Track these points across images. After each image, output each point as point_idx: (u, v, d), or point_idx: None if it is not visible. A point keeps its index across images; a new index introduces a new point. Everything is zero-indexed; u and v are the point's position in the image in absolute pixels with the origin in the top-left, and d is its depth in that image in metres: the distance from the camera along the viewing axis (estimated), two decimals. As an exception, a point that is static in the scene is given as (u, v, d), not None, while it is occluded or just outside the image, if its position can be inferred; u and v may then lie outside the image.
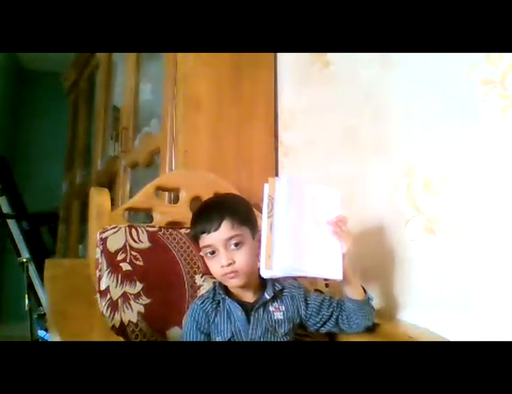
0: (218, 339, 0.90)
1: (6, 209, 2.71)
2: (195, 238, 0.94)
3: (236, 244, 0.89)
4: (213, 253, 0.89)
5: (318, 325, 0.97)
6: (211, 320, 0.91)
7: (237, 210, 0.92)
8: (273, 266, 0.81)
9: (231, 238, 0.89)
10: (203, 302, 0.93)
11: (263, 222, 0.85)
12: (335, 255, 0.88)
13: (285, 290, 0.97)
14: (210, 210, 0.92)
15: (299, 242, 0.84)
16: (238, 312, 0.91)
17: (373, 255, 1.18)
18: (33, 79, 3.72)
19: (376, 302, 0.99)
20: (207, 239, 0.89)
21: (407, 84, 1.13)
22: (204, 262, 1.11)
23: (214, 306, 0.92)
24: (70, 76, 2.99)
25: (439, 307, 1.01)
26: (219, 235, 0.88)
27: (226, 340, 0.90)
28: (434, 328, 0.99)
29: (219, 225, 0.88)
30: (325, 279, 1.19)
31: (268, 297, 0.93)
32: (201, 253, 0.95)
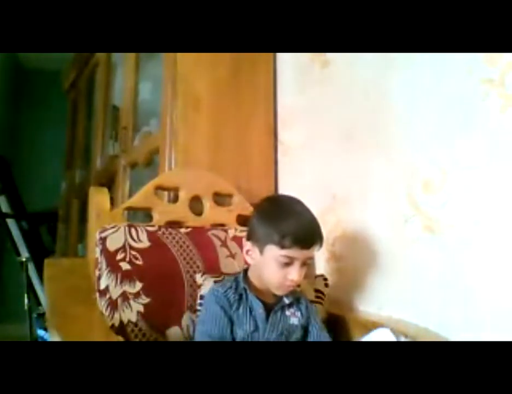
0: (239, 331, 0.89)
1: (5, 209, 2.71)
2: (278, 244, 0.86)
3: (305, 264, 0.89)
4: (286, 263, 0.87)
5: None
6: (233, 309, 0.90)
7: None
8: None
9: (310, 258, 0.90)
10: (226, 291, 0.92)
11: None
12: None
13: (302, 299, 0.99)
14: (313, 228, 0.90)
15: None
16: (259, 310, 0.91)
17: (373, 255, 1.18)
18: (32, 78, 3.71)
19: (376, 302, 0.99)
20: (297, 253, 0.86)
21: (406, 84, 1.13)
22: (204, 261, 1.12)
23: (236, 298, 0.91)
24: (70, 75, 2.97)
25: (439, 306, 1.01)
26: (307, 253, 0.88)
27: (249, 333, 0.89)
28: (434, 327, 0.99)
29: (313, 245, 0.88)
30: (325, 279, 1.19)
31: (287, 301, 0.95)
32: (267, 255, 0.89)
